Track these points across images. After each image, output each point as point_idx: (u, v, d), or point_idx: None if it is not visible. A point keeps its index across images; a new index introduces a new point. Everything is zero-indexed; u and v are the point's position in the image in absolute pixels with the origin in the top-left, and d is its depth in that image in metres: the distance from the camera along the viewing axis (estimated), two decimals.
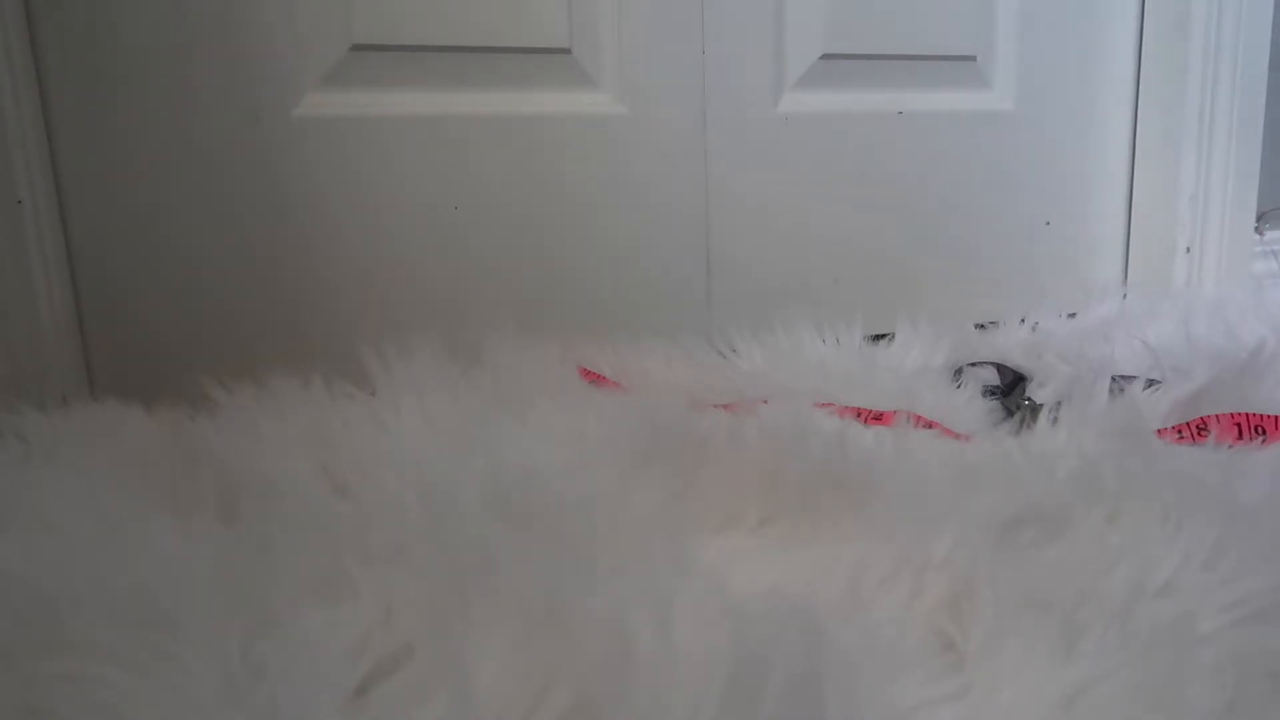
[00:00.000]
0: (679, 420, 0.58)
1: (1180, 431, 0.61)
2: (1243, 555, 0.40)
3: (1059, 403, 0.64)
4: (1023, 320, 0.91)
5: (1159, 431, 0.61)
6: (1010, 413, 0.67)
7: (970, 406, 0.68)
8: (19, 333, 0.69)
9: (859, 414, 0.64)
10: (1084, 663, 0.34)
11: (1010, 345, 0.84)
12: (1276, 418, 0.59)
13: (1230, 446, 0.57)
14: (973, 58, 0.99)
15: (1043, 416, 0.62)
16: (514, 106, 0.83)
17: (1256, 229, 1.10)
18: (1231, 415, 0.60)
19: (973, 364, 0.76)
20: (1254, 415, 0.60)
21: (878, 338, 0.86)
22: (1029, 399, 0.69)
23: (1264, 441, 0.58)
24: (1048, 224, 1.05)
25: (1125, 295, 0.99)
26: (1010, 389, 0.71)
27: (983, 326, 0.93)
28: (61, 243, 0.72)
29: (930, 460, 0.54)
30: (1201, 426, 0.60)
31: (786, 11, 0.90)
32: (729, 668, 0.31)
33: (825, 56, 0.92)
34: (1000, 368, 0.74)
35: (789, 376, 0.75)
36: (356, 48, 0.78)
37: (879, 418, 0.63)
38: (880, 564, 0.40)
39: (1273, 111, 1.06)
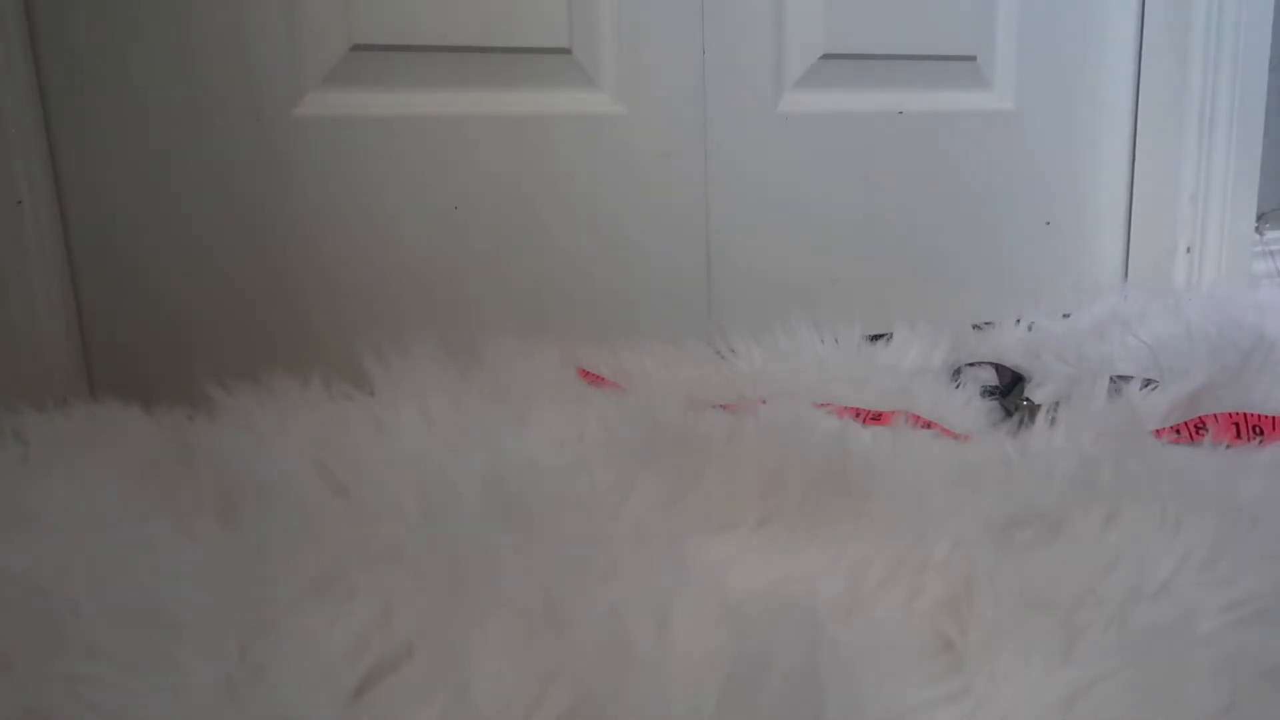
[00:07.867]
0: (679, 420, 0.58)
1: (1178, 431, 0.61)
2: (1241, 555, 0.40)
3: (1057, 403, 0.64)
4: (1019, 320, 0.91)
5: (1157, 432, 0.61)
6: (1009, 413, 0.67)
7: (969, 407, 0.68)
8: (19, 333, 0.69)
9: (858, 414, 0.64)
10: (1083, 663, 0.34)
11: (1009, 345, 0.84)
12: (1274, 418, 0.60)
13: (1228, 446, 0.57)
14: (973, 58, 0.99)
15: (1041, 416, 0.62)
16: (514, 106, 0.83)
17: (1256, 229, 1.10)
18: (1229, 415, 0.60)
19: (971, 364, 0.76)
20: (1252, 415, 0.60)
21: (876, 338, 0.86)
22: (1027, 399, 0.69)
23: (1262, 442, 0.58)
24: (1048, 224, 1.05)
25: (1125, 295, 0.99)
26: (1009, 389, 0.72)
27: (980, 327, 0.93)
28: (61, 243, 0.72)
29: (929, 460, 0.54)
30: (1200, 426, 0.60)
31: (786, 11, 0.90)
32: (728, 667, 0.31)
33: (825, 56, 0.92)
34: (999, 368, 0.74)
35: (788, 376, 0.75)
36: (357, 48, 0.78)
37: (878, 418, 0.63)
38: (879, 564, 0.40)
39: (1273, 111, 1.06)
